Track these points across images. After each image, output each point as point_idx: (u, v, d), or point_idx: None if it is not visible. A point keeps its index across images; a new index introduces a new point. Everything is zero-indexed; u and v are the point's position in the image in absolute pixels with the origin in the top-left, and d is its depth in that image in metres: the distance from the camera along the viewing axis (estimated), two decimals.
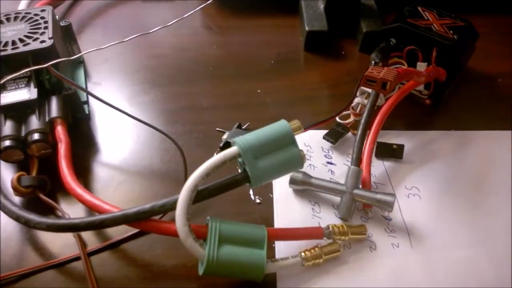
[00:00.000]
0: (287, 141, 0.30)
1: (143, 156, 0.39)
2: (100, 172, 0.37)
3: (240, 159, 0.30)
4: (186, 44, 0.50)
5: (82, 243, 0.32)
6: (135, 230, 0.33)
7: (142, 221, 0.29)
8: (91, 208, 0.30)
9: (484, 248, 0.33)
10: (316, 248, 0.31)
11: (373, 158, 0.38)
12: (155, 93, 0.44)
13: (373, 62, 0.38)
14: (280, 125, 0.31)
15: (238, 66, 0.47)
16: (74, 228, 0.29)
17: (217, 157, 0.29)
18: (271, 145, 0.30)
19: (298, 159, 0.30)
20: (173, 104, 0.43)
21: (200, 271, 0.28)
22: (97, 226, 0.28)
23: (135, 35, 0.36)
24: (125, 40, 0.35)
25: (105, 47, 0.35)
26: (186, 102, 0.43)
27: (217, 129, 0.40)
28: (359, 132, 0.36)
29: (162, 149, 0.39)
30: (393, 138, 0.40)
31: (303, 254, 0.31)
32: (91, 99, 0.41)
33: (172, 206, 0.28)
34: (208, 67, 0.47)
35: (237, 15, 0.53)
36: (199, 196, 0.29)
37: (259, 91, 0.44)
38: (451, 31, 0.41)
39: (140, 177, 0.37)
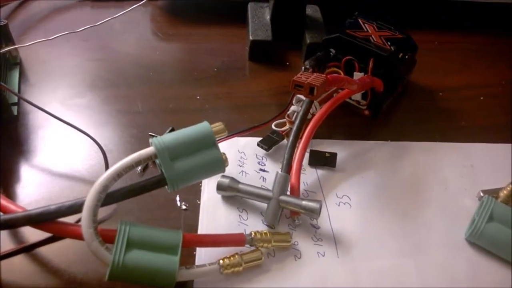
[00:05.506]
0: (208, 143, 0.29)
1: (69, 159, 0.37)
2: (23, 174, 0.36)
3: (157, 160, 0.29)
4: (129, 49, 0.49)
5: None
6: (50, 234, 0.31)
7: (48, 222, 0.27)
8: None
9: (412, 259, 0.33)
10: (236, 256, 0.30)
11: (307, 166, 0.38)
12: (90, 96, 0.43)
13: (302, 68, 0.38)
14: (201, 127, 0.30)
15: (180, 72, 0.46)
16: None
17: (130, 157, 0.28)
18: (190, 147, 0.29)
19: (219, 162, 0.29)
20: (107, 107, 0.42)
21: (107, 276, 0.27)
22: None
23: (61, 34, 0.35)
24: (50, 38, 0.34)
25: (27, 45, 0.33)
26: (121, 105, 0.42)
27: (150, 133, 0.39)
28: (291, 138, 0.35)
29: (89, 152, 0.37)
30: (329, 147, 0.39)
31: (221, 261, 0.29)
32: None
33: (80, 208, 0.27)
34: (149, 72, 0.46)
35: (185, 23, 0.52)
36: (110, 198, 0.28)
37: (198, 97, 0.43)
38: (389, 43, 0.41)
39: (62, 179, 0.36)
